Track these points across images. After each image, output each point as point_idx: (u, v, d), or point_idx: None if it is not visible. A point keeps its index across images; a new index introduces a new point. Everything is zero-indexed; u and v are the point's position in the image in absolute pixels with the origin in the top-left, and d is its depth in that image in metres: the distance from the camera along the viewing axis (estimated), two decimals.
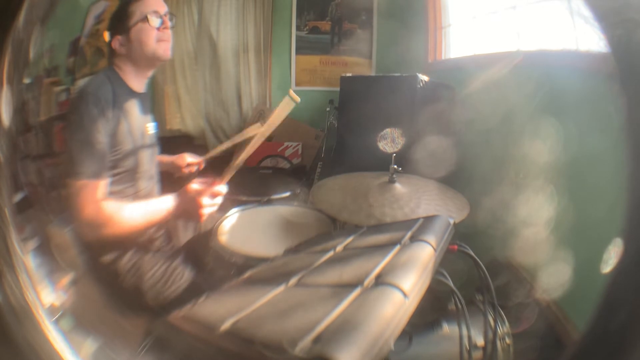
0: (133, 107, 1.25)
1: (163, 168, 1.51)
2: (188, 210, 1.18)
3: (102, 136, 1.14)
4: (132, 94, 1.27)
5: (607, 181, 1.10)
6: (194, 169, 1.57)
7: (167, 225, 1.35)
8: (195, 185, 1.19)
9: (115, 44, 1.24)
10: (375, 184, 1.29)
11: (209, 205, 1.17)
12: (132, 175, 1.26)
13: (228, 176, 1.23)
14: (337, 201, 1.25)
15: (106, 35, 1.26)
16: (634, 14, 0.56)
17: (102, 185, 1.14)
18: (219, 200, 1.20)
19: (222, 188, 1.19)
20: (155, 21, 1.23)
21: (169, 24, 1.27)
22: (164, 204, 1.20)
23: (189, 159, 1.56)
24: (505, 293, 1.21)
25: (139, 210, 1.17)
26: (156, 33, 1.24)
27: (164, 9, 1.26)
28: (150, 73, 1.32)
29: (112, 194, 1.20)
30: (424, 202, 1.19)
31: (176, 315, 0.64)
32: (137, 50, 1.23)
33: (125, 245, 1.23)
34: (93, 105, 1.14)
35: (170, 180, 1.53)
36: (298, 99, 1.17)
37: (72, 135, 1.14)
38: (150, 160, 1.34)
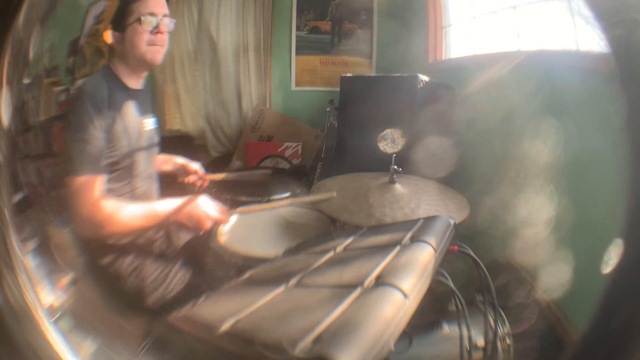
0: (129, 105, 1.25)
1: (169, 168, 1.53)
2: (189, 223, 1.20)
3: (99, 133, 1.14)
4: (128, 91, 1.27)
5: (607, 181, 1.10)
6: (198, 182, 1.58)
7: (166, 227, 1.35)
8: (204, 203, 1.21)
9: (113, 41, 1.24)
10: (375, 184, 1.29)
11: (208, 227, 1.21)
12: (128, 173, 1.26)
13: (239, 212, 1.31)
14: (337, 201, 1.25)
15: (107, 33, 1.26)
16: (634, 14, 0.56)
17: (100, 182, 1.14)
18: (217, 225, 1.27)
19: (227, 218, 1.27)
20: (148, 24, 1.21)
21: (164, 28, 1.24)
22: (166, 207, 1.20)
23: (196, 168, 1.56)
24: (505, 293, 1.21)
25: (139, 211, 1.17)
26: (148, 37, 1.22)
27: (162, 11, 1.24)
28: (144, 74, 1.32)
29: (109, 192, 1.20)
30: (424, 203, 1.19)
31: (176, 316, 0.64)
32: (128, 51, 1.23)
33: (125, 246, 1.23)
34: (90, 103, 1.14)
35: (167, 181, 1.53)
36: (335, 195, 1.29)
37: (70, 133, 1.14)
38: (148, 160, 1.34)
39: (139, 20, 1.20)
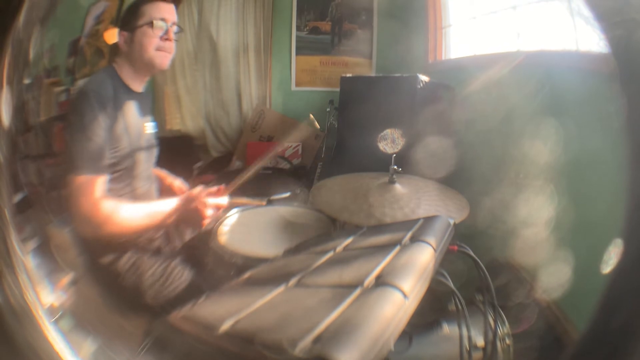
0: (131, 107, 1.26)
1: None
2: (190, 217, 1.22)
3: (102, 132, 1.14)
4: (131, 93, 1.27)
5: (607, 181, 1.10)
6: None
7: (167, 226, 1.35)
8: (200, 194, 1.22)
9: (121, 40, 1.24)
10: (375, 184, 1.29)
11: (210, 216, 1.23)
12: (129, 174, 1.26)
13: (233, 188, 1.28)
14: (337, 201, 1.25)
15: (110, 32, 1.26)
16: (634, 14, 0.56)
17: (101, 181, 1.14)
18: (221, 211, 1.27)
19: (225, 201, 1.27)
20: (159, 29, 1.23)
21: (172, 35, 1.26)
22: (165, 207, 1.21)
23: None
24: (505, 293, 1.21)
25: (139, 211, 1.17)
26: (157, 41, 1.23)
27: (172, 18, 1.26)
28: (147, 77, 1.32)
29: (110, 192, 1.20)
30: (424, 203, 1.19)
31: (176, 316, 0.64)
32: (137, 53, 1.23)
33: (125, 245, 1.23)
34: (95, 101, 1.14)
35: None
36: (318, 126, 1.33)
37: (72, 131, 1.14)
38: (148, 161, 1.34)
39: (150, 24, 1.22)
